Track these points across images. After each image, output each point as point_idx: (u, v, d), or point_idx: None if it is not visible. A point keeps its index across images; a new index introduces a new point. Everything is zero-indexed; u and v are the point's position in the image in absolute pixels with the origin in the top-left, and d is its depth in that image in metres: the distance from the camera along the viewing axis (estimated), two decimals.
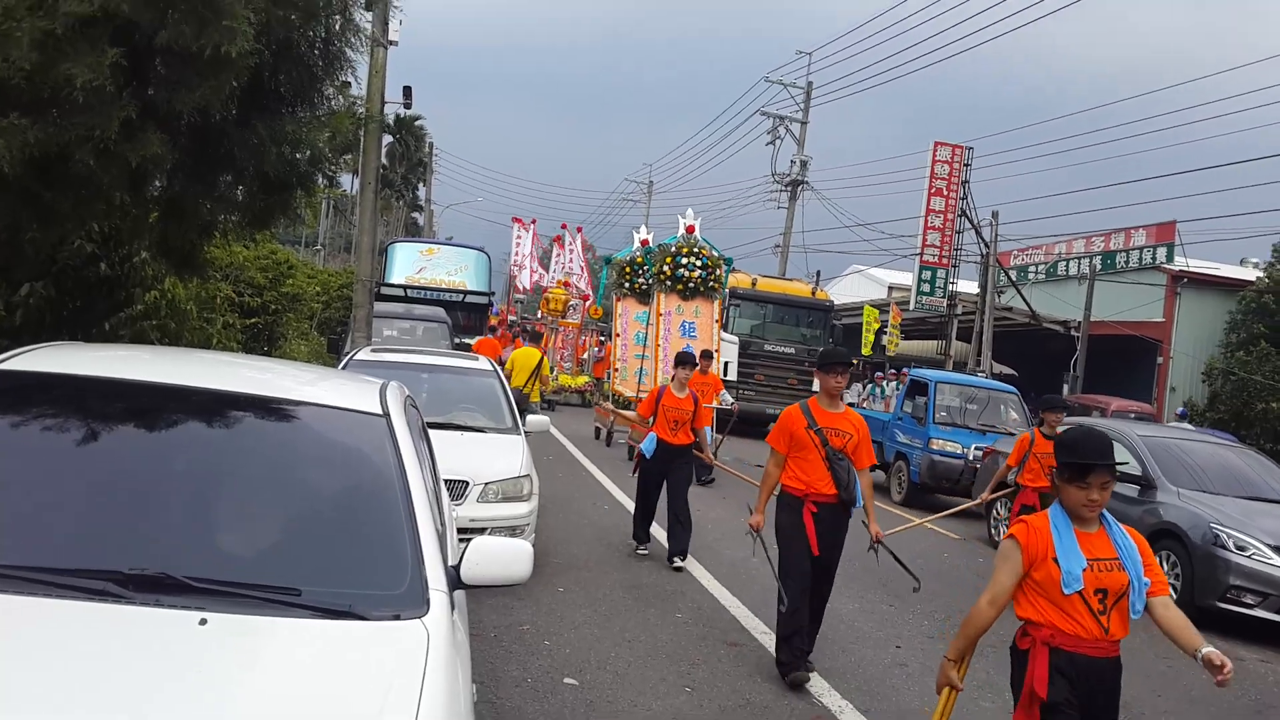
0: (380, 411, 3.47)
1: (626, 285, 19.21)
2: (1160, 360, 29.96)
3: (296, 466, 3.31)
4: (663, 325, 16.76)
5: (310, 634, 2.48)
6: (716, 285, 17.35)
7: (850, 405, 21.15)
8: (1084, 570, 3.52)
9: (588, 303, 29.36)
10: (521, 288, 37.33)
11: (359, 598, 2.66)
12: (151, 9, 5.37)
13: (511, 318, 37.56)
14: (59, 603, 2.39)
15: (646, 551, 8.92)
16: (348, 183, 47.50)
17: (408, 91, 18.53)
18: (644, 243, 18.38)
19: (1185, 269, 29.66)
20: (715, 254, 17.49)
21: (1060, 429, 8.67)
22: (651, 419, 9.15)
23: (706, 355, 13.95)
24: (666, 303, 16.93)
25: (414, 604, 2.68)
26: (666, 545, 8.81)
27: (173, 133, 6.07)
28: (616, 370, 18.90)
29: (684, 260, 16.94)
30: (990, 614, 3.69)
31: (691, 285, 16.98)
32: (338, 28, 6.60)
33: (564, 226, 34.26)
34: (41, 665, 2.19)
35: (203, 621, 2.38)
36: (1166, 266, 29.74)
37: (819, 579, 6.07)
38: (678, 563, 8.53)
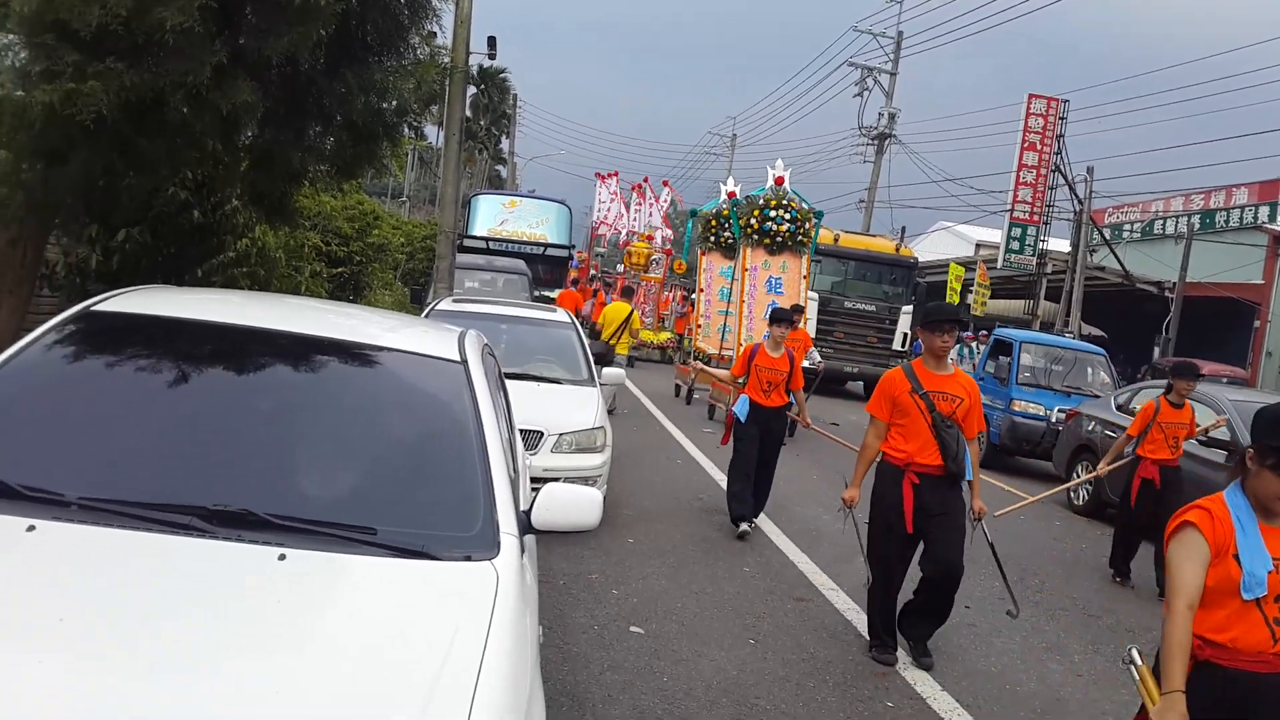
0: (458, 358, 3.55)
1: (712, 239, 18.51)
2: (1257, 324, 28.91)
3: (376, 409, 3.40)
4: (748, 281, 15.86)
5: (384, 571, 2.57)
6: (806, 240, 16.36)
7: (984, 377, 20.42)
8: (1269, 573, 2.96)
9: (670, 257, 28.84)
10: (615, 241, 37.35)
11: (432, 538, 2.74)
12: None
13: (593, 272, 37.67)
14: (145, 535, 2.50)
15: (749, 529, 8.11)
16: (433, 135, 47.85)
17: (492, 42, 18.52)
18: (730, 195, 17.53)
19: None
20: (805, 207, 16.50)
21: (1188, 398, 8.33)
22: (743, 379, 8.47)
23: (797, 310, 13.33)
24: (753, 257, 16.01)
25: (485, 546, 2.75)
26: (728, 507, 8.33)
27: (263, 81, 6.21)
28: (699, 326, 18.47)
29: (772, 213, 15.95)
30: (1189, 619, 2.98)
31: (779, 239, 16.04)
32: None
33: (645, 180, 34.15)
34: (125, 597, 2.30)
35: (281, 557, 2.48)
36: (1268, 226, 28.60)
37: (930, 576, 5.58)
38: (744, 527, 8.07)
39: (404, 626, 2.37)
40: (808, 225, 16.31)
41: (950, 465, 5.38)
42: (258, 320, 3.69)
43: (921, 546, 5.62)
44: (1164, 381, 9.22)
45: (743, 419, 8.28)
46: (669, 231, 31.59)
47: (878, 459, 5.68)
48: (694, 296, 20.72)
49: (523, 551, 2.93)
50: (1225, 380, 21.47)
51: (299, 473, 3.05)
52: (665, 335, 26.10)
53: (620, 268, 35.96)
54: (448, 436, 3.23)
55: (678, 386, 18.09)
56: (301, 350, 3.49)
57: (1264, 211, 28.69)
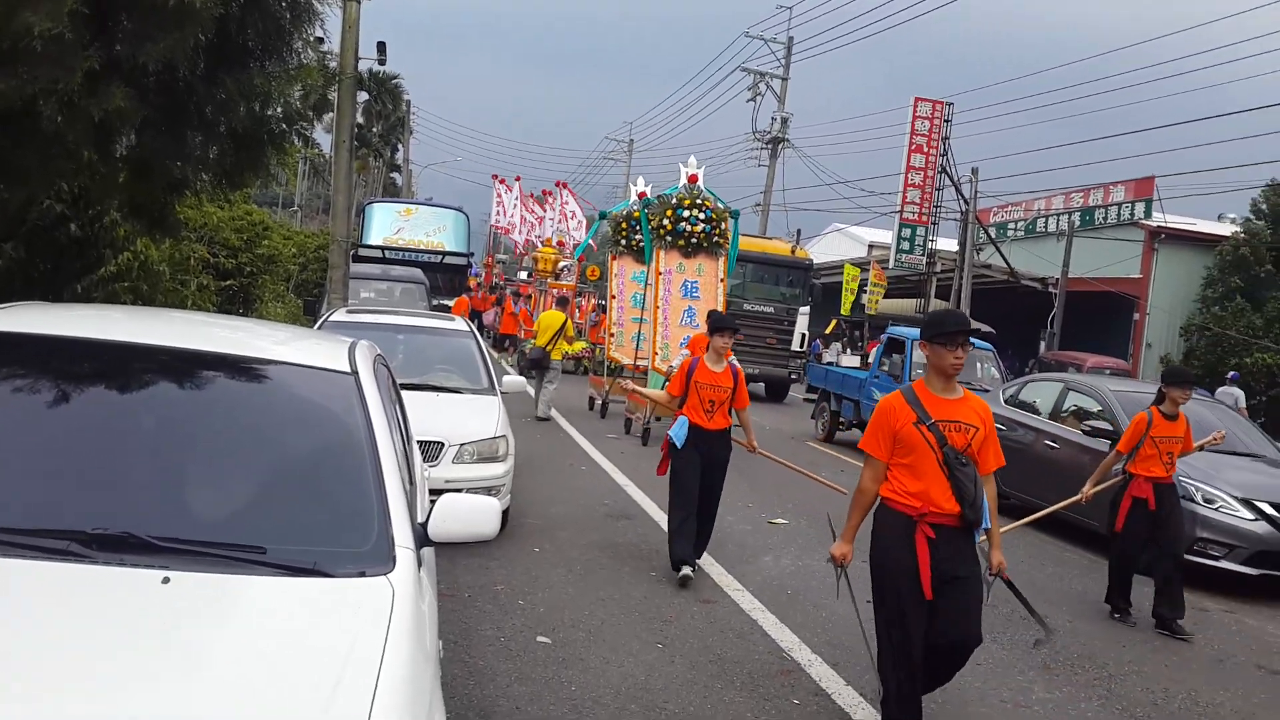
0: (348, 370, 3.46)
1: (623, 242, 17.40)
2: (1137, 317, 30.16)
3: (264, 425, 3.30)
4: (662, 285, 14.93)
5: (274, 591, 2.49)
6: (722, 240, 15.40)
7: (830, 365, 20.44)
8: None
9: (583, 264, 27.55)
10: (510, 247, 37.04)
11: (324, 555, 2.66)
12: None
13: (496, 280, 37.30)
14: (20, 562, 2.39)
15: (691, 574, 6.99)
16: (325, 143, 46.95)
17: (382, 47, 18.31)
18: (641, 195, 16.48)
19: (1163, 225, 29.80)
20: (720, 206, 15.61)
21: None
22: (681, 399, 7.27)
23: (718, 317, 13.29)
24: (666, 260, 15.06)
25: (379, 561, 2.69)
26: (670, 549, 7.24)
27: (140, 88, 6.00)
28: (612, 336, 17.43)
29: (686, 213, 15.03)
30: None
31: (694, 241, 15.11)
32: None
33: (559, 184, 34.11)
34: (1, 625, 2.18)
35: (165, 580, 2.38)
36: (1144, 223, 29.87)
37: (937, 644, 4.50)
38: (685, 571, 6.96)
39: (296, 647, 2.29)
40: (724, 225, 15.48)
41: (968, 512, 4.37)
42: (138, 336, 3.55)
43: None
44: (1037, 371, 9.32)
45: (680, 445, 7.13)
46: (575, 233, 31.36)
47: (874, 506, 4.67)
48: (605, 303, 19.51)
49: (420, 565, 2.87)
50: (1108, 371, 22.30)
51: (184, 493, 2.95)
52: (580, 345, 24.56)
53: (522, 275, 35.80)
54: (339, 450, 3.15)
55: (591, 399, 17.41)
56: (184, 366, 3.37)
57: (1140, 208, 29.95)
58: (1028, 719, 5.25)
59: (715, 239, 15.27)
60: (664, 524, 8.70)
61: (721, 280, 15.41)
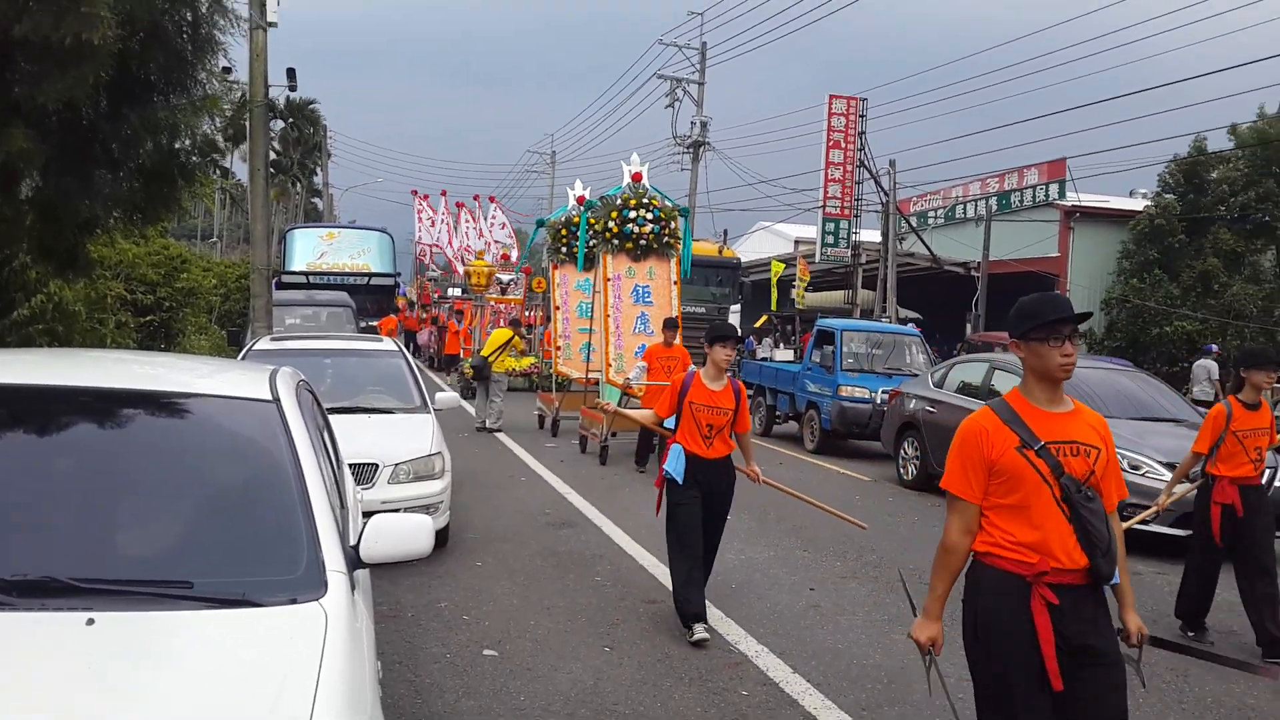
0: (270, 397, 3.44)
1: (563, 250, 16.40)
2: (1057, 294, 30.85)
3: (185, 458, 3.27)
4: (611, 292, 13.91)
5: (203, 625, 2.48)
6: (673, 241, 14.41)
7: (764, 360, 20.46)
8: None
9: (530, 275, 26.78)
10: (443, 264, 36.68)
11: (253, 585, 2.66)
12: (3, 1, 5.19)
13: (435, 297, 36.80)
14: None
15: (706, 635, 5.85)
16: (242, 172, 46.27)
17: (291, 74, 18.16)
18: (580, 200, 15.65)
19: (1077, 204, 30.56)
20: (669, 204, 14.62)
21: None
22: (672, 422, 6.25)
23: (671, 325, 12.29)
24: (615, 265, 14.06)
25: (311, 587, 2.68)
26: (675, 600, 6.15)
27: (41, 129, 5.90)
28: (559, 349, 16.70)
29: (632, 214, 13.99)
30: None
31: (643, 243, 14.12)
32: (205, 9, 6.44)
33: (476, 198, 34.08)
34: None
35: (90, 622, 2.36)
36: (1059, 203, 30.62)
37: None
38: (700, 633, 5.84)
39: (229, 679, 2.29)
40: (673, 224, 14.46)
41: (1100, 565, 3.22)
42: (53, 378, 3.52)
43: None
44: (968, 352, 9.28)
45: (679, 479, 6.05)
46: (516, 245, 31.22)
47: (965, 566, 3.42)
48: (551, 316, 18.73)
49: (354, 588, 2.87)
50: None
51: (107, 533, 2.92)
52: (529, 361, 24.05)
53: (454, 291, 35.55)
54: (264, 478, 3.13)
55: (540, 416, 16.34)
56: (101, 405, 3.33)
57: (1054, 189, 30.70)
58: (972, 691, 5.36)
59: (665, 239, 14.37)
60: (607, 529, 8.77)
61: (675, 283, 14.57)
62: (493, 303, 24.94)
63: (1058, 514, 3.22)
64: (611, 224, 14.07)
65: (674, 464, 6.10)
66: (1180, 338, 27.75)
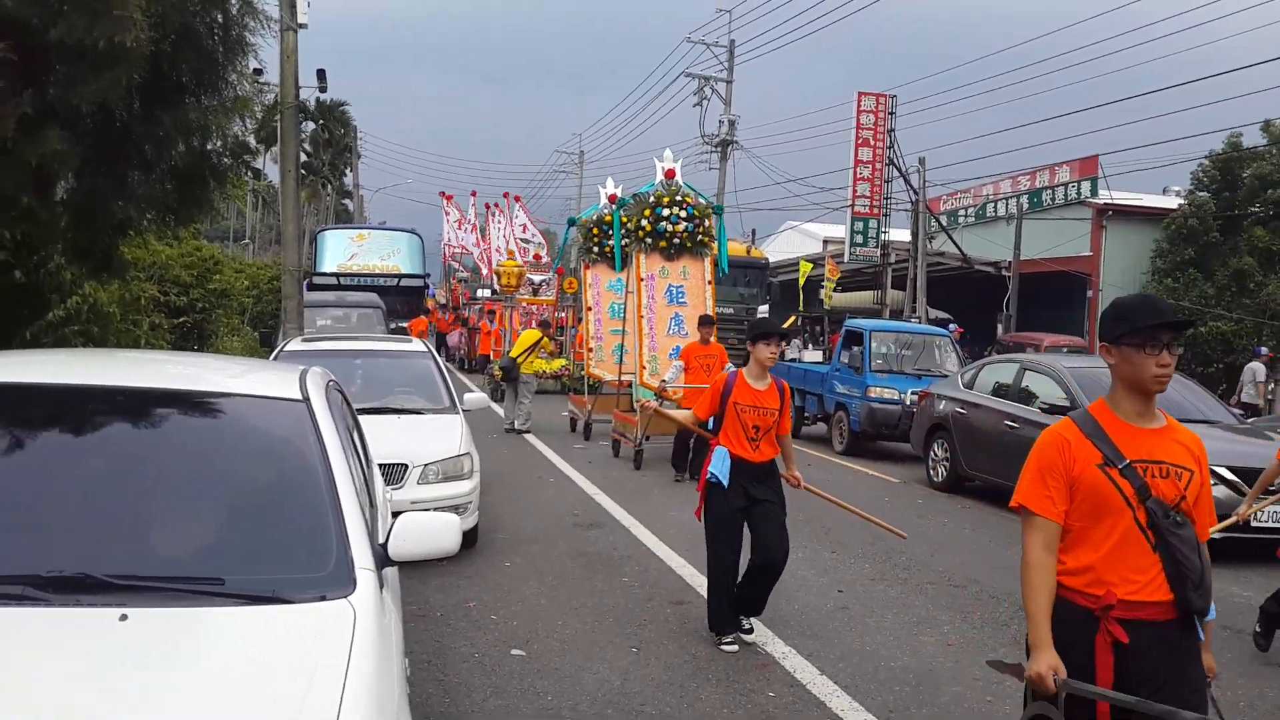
0: (300, 397, 3.47)
1: (595, 250, 15.89)
2: (1090, 294, 30.57)
3: (217, 457, 3.31)
4: (645, 292, 13.42)
5: (234, 621, 2.51)
6: (707, 239, 13.95)
7: (792, 361, 20.32)
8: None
9: (561, 276, 26.10)
10: (470, 264, 36.70)
11: (283, 582, 2.68)
12: (39, 5, 5.27)
13: (464, 299, 36.93)
14: None
15: (734, 646, 5.76)
16: (273, 174, 46.71)
17: (321, 75, 18.33)
18: (612, 198, 15.28)
19: (1110, 202, 30.24)
20: (703, 201, 14.22)
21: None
22: (713, 424, 6.06)
23: (707, 322, 12.07)
24: (648, 265, 13.62)
25: (340, 584, 2.70)
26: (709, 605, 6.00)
27: (76, 131, 5.98)
28: (591, 350, 16.25)
29: (665, 212, 13.57)
30: None
31: (676, 241, 13.67)
32: (235, 11, 6.50)
33: (506, 195, 34.24)
34: None
35: (123, 617, 2.39)
36: (1091, 201, 30.31)
37: None
38: (728, 644, 5.76)
39: (258, 674, 2.31)
40: (707, 223, 14.01)
41: (1192, 599, 2.95)
42: (86, 378, 3.57)
43: None
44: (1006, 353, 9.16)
45: (724, 481, 5.78)
46: (542, 241, 31.13)
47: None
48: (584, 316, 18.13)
49: (383, 585, 2.89)
50: (1065, 350, 22.59)
51: (140, 530, 2.95)
52: (560, 363, 23.78)
53: (483, 293, 35.66)
54: (294, 477, 3.16)
55: (573, 420, 16.13)
56: (135, 404, 3.37)
57: (1085, 187, 30.39)
58: (1000, 694, 5.32)
59: (699, 238, 13.93)
60: (636, 530, 8.77)
61: (710, 282, 14.12)
62: (524, 304, 24.53)
63: (1140, 541, 2.91)
64: (645, 222, 13.69)
65: (718, 466, 5.81)
66: (1215, 338, 27.41)
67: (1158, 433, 3.03)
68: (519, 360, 15.68)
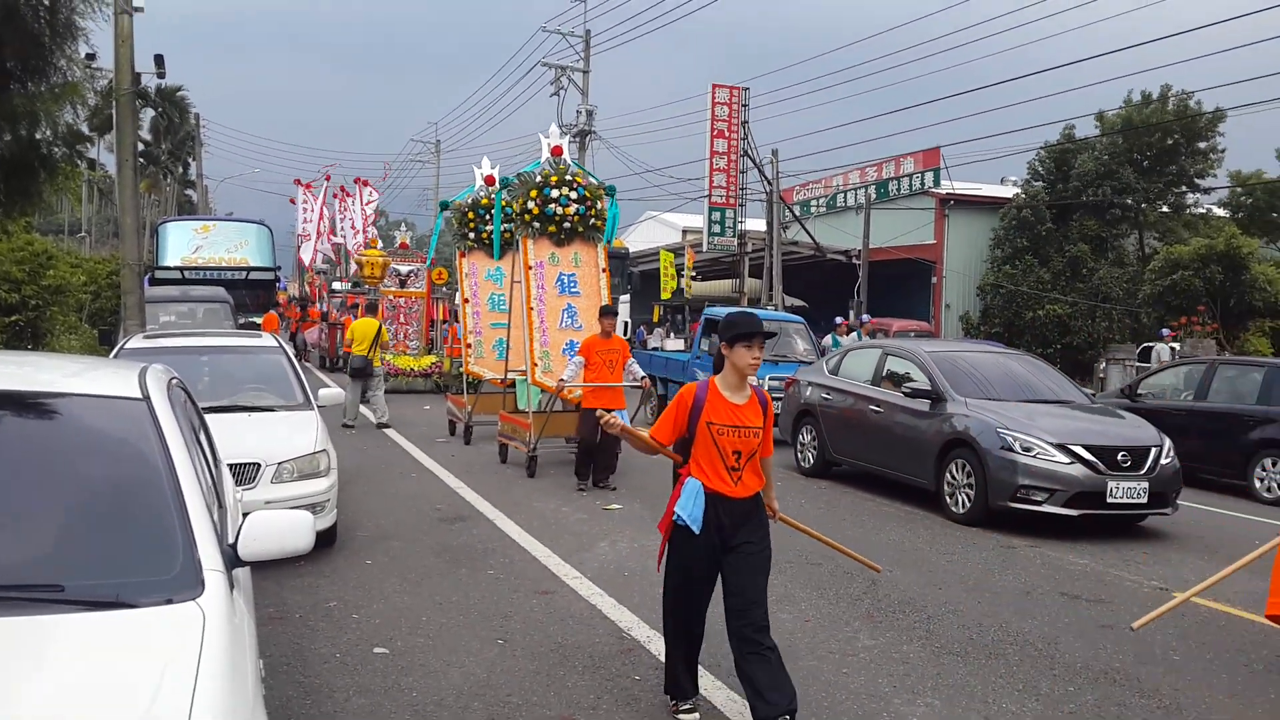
0: (140, 395, 3.35)
1: (471, 236, 14.60)
2: (935, 280, 31.84)
3: (54, 460, 3.15)
4: (533, 282, 12.05)
5: (75, 629, 2.41)
6: (600, 223, 12.55)
7: (655, 350, 20.67)
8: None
9: (430, 266, 24.16)
10: (328, 256, 35.72)
11: (127, 586, 2.59)
12: None
13: (325, 293, 35.78)
14: None
15: (694, 715, 4.74)
16: (110, 163, 44.50)
17: (160, 60, 17.51)
18: (489, 180, 14.11)
19: (952, 192, 31.55)
20: (593, 182, 12.81)
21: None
22: (683, 448, 4.66)
23: (608, 313, 10.99)
24: (536, 251, 12.20)
25: (187, 586, 2.62)
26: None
27: None
28: (469, 346, 14.85)
29: (554, 193, 12.18)
30: None
31: (567, 225, 12.24)
32: None
33: (357, 181, 33.57)
34: None
35: None
36: (934, 190, 31.57)
37: None
38: (688, 715, 4.72)
39: (103, 683, 2.22)
40: (600, 205, 12.59)
41: None
42: None
43: None
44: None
45: (695, 526, 4.49)
46: (374, 233, 30.47)
47: None
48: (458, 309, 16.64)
49: (233, 587, 2.81)
50: (913, 334, 23.49)
51: None
52: (430, 359, 22.45)
53: (337, 285, 34.74)
54: (135, 478, 3.04)
55: (452, 423, 15.04)
56: None
57: (929, 178, 31.63)
58: (855, 666, 5.51)
59: (591, 221, 12.48)
60: (500, 523, 8.73)
61: (605, 270, 12.73)
62: (390, 296, 23.09)
63: None
64: (532, 205, 12.23)
65: (689, 505, 4.49)
66: (1052, 321, 28.91)
67: None
68: (369, 356, 15.47)
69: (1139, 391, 14.07)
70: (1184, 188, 30.95)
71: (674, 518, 4.56)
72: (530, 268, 12.16)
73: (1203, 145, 30.23)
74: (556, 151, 12.61)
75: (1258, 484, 12.07)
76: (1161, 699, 5.21)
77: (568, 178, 12.40)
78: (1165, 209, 31.43)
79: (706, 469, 4.53)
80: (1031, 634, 6.19)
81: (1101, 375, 24.37)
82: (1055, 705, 5.05)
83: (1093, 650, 5.94)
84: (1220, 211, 32.48)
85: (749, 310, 4.03)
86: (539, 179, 12.39)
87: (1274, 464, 11.99)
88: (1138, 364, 24.02)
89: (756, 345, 4.51)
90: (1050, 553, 8.49)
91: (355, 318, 20.81)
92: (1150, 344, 23.25)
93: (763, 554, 4.66)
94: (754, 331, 4.52)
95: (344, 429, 14.59)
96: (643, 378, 11.03)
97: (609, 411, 3.87)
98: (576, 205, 12.30)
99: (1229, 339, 25.66)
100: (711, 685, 5.13)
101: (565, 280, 12.37)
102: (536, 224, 12.20)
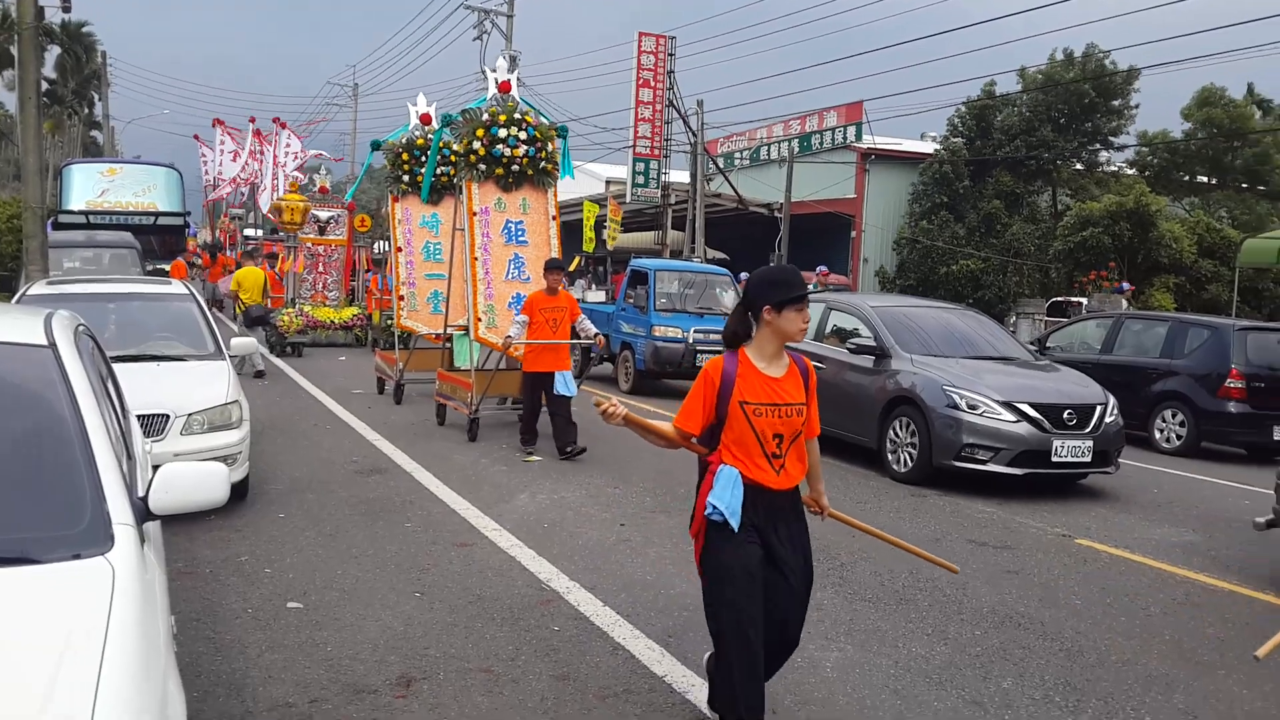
0: (45, 342, 3.24)
1: (405, 179, 13.54)
2: (854, 234, 32.20)
3: None
4: (478, 229, 11.02)
5: None
6: (551, 167, 11.48)
7: (579, 302, 20.78)
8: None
9: (352, 212, 23.06)
10: (237, 199, 34.79)
11: (32, 541, 2.52)
12: None
13: (242, 238, 34.83)
14: None
15: None
16: (10, 102, 42.72)
17: None
18: (424, 118, 13.22)
19: (873, 146, 31.84)
20: (544, 122, 11.64)
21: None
22: (707, 438, 3.93)
23: (555, 266, 10.18)
24: (481, 196, 11.14)
25: (96, 541, 2.56)
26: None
27: None
28: (402, 298, 13.71)
29: (502, 133, 11.05)
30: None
31: (515, 168, 11.15)
32: None
33: (276, 121, 32.60)
34: None
35: None
36: (856, 145, 31.82)
37: None
38: None
39: (8, 641, 2.16)
40: (550, 147, 11.47)
41: None
42: None
43: None
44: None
45: (734, 520, 3.76)
46: (296, 176, 29.43)
47: None
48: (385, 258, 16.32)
49: (144, 541, 2.75)
50: (833, 288, 23.77)
51: None
52: (351, 311, 21.36)
53: (249, 232, 33.80)
54: (41, 428, 2.95)
55: (380, 380, 14.13)
56: None
57: (851, 132, 31.85)
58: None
59: (542, 165, 11.39)
60: (418, 475, 8.67)
61: (555, 219, 11.67)
62: (309, 244, 21.84)
63: None
64: (478, 145, 11.08)
65: (724, 496, 3.77)
66: (966, 276, 29.46)
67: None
68: (262, 303, 15.81)
69: (1048, 345, 14.44)
70: (1098, 145, 31.63)
71: (707, 511, 3.83)
72: (474, 214, 11.14)
73: (1117, 103, 30.87)
74: (504, 87, 11.37)
75: (1157, 434, 12.55)
76: (1064, 641, 5.42)
77: (516, 116, 11.27)
78: (1079, 166, 32.12)
79: (740, 456, 3.82)
80: (940, 580, 6.36)
81: (1011, 329, 25.01)
82: (963, 649, 5.22)
83: (999, 595, 6.14)
84: (1131, 171, 33.31)
85: (786, 265, 3.40)
86: (485, 117, 11.23)
87: (1173, 415, 12.46)
88: (1046, 318, 24.70)
89: (805, 308, 3.83)
90: (960, 502, 8.72)
91: (272, 267, 20.20)
92: (1059, 299, 23.98)
93: (808, 575, 3.97)
94: (805, 293, 3.84)
95: (256, 379, 14.35)
96: (595, 335, 10.31)
97: (606, 399, 3.31)
98: (526, 146, 11.22)
99: (1135, 295, 26.46)
100: (655, 658, 5.18)
101: (512, 228, 11.34)
102: (482, 166, 11.13)
